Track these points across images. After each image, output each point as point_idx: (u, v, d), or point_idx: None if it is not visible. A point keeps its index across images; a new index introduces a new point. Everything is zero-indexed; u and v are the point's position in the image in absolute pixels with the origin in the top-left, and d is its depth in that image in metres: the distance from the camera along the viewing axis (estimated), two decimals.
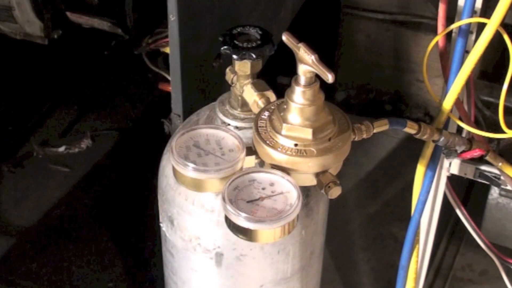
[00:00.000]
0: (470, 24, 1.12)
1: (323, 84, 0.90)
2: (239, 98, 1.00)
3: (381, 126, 0.99)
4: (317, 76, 0.89)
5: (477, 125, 1.32)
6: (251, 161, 0.92)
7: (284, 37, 0.89)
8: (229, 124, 1.00)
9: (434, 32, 1.13)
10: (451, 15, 1.16)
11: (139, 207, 1.93)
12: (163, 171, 1.06)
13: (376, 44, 2.27)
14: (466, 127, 1.16)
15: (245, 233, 0.85)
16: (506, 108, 1.07)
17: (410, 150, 2.14)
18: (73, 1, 1.54)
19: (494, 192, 1.60)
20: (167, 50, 1.30)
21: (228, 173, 0.89)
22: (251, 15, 1.50)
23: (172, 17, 1.20)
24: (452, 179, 1.36)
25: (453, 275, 1.83)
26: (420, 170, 1.23)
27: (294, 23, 1.72)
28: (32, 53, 2.03)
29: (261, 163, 0.93)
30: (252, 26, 0.99)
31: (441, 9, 1.11)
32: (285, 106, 0.91)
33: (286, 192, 0.87)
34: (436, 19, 1.14)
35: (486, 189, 1.60)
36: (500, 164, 1.21)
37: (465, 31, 1.10)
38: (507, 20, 1.15)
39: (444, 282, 1.81)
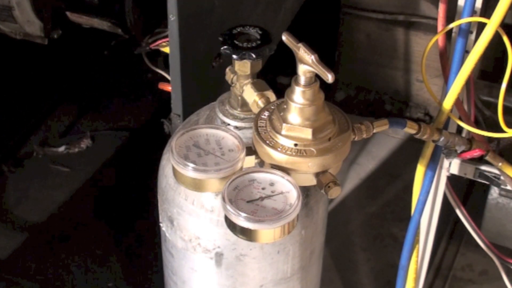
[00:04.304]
0: (470, 24, 1.12)
1: (323, 84, 0.90)
2: (239, 98, 1.00)
3: (381, 126, 0.99)
4: (317, 76, 0.89)
5: (477, 125, 1.32)
6: (251, 161, 0.92)
7: (284, 37, 0.89)
8: (229, 124, 1.00)
9: (434, 32, 1.13)
10: (451, 15, 1.16)
11: (139, 207, 1.93)
12: (163, 171, 1.06)
13: (376, 44, 2.27)
14: (466, 127, 1.16)
15: (245, 233, 0.86)
16: (505, 108, 1.07)
17: (410, 150, 2.14)
18: (73, 1, 1.54)
19: (494, 192, 1.60)
20: (167, 50, 1.30)
21: (228, 173, 0.89)
22: (251, 15, 1.50)
23: (172, 17, 1.20)
24: (452, 179, 1.36)
25: (453, 275, 1.83)
26: (420, 170, 1.23)
27: (294, 23, 1.72)
28: (32, 53, 2.03)
29: (261, 163, 0.93)
30: (252, 26, 0.99)
31: (441, 9, 1.11)
32: (285, 106, 0.91)
33: (286, 192, 0.87)
34: (436, 19, 1.14)
35: (486, 189, 1.61)
36: (500, 164, 1.22)
37: (465, 31, 1.10)
38: (507, 20, 1.15)
39: (444, 282, 1.81)
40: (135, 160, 2.09)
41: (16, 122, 2.17)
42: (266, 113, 0.94)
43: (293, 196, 0.87)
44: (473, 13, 1.07)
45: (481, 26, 1.06)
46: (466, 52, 1.13)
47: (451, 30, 1.12)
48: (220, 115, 1.00)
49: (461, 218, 1.35)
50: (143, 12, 1.49)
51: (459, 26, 1.09)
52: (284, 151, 0.90)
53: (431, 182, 1.24)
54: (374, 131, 0.98)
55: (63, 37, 1.61)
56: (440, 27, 1.11)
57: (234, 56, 0.96)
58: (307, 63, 0.87)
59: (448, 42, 1.15)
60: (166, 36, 1.36)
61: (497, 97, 1.08)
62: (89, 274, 1.79)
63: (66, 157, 2.10)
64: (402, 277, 1.38)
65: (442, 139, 1.09)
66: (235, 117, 1.00)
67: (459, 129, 1.28)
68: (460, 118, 1.18)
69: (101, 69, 2.31)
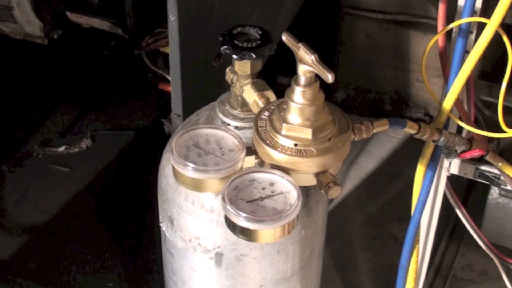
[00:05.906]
0: (470, 24, 1.12)
1: (323, 84, 0.90)
2: (239, 98, 1.00)
3: (381, 126, 0.99)
4: (317, 76, 0.89)
5: (477, 125, 1.32)
6: (251, 161, 0.92)
7: (284, 37, 0.89)
8: (229, 124, 1.00)
9: (434, 32, 1.13)
10: (451, 15, 1.16)
11: (139, 207, 1.93)
12: (163, 171, 1.06)
13: (376, 44, 2.27)
14: (466, 127, 1.16)
15: (245, 233, 0.86)
16: (505, 108, 1.07)
17: (410, 150, 2.14)
18: (73, 1, 1.54)
19: (494, 192, 1.60)
20: (167, 50, 1.30)
21: (228, 173, 0.89)
22: (251, 15, 1.50)
23: (172, 17, 1.20)
24: (452, 179, 1.36)
25: (453, 275, 1.83)
26: (420, 170, 1.23)
27: (294, 23, 1.72)
28: (32, 53, 2.03)
29: (261, 163, 0.93)
30: (252, 26, 0.99)
31: (441, 9, 1.11)
32: (285, 106, 0.91)
33: (286, 192, 0.87)
34: (436, 19, 1.14)
35: (486, 189, 1.61)
36: (500, 164, 1.22)
37: (465, 31, 1.10)
38: (507, 20, 1.15)
39: (444, 282, 1.81)
40: (135, 160, 2.09)
41: (16, 122, 2.17)
42: (266, 113, 0.94)
43: (293, 196, 0.87)
44: (473, 13, 1.07)
45: (481, 26, 1.06)
46: (466, 52, 1.13)
47: (451, 30, 1.12)
48: (220, 115, 1.00)
49: (461, 218, 1.35)
50: (143, 12, 1.49)
51: (459, 26, 1.09)
52: (284, 151, 0.90)
53: (431, 182, 1.24)
54: (374, 131, 0.98)
55: (63, 37, 1.61)
56: (440, 27, 1.11)
57: (234, 56, 0.96)
58: (307, 63, 0.87)
59: (448, 42, 1.14)
60: (166, 36, 1.36)
61: (497, 97, 1.08)
62: (89, 274, 1.79)
63: (66, 157, 2.10)
64: (402, 277, 1.38)
65: (442, 139, 1.09)
66: (235, 117, 1.00)
67: (459, 129, 1.28)
68: (460, 118, 1.18)
69: (101, 69, 2.31)
